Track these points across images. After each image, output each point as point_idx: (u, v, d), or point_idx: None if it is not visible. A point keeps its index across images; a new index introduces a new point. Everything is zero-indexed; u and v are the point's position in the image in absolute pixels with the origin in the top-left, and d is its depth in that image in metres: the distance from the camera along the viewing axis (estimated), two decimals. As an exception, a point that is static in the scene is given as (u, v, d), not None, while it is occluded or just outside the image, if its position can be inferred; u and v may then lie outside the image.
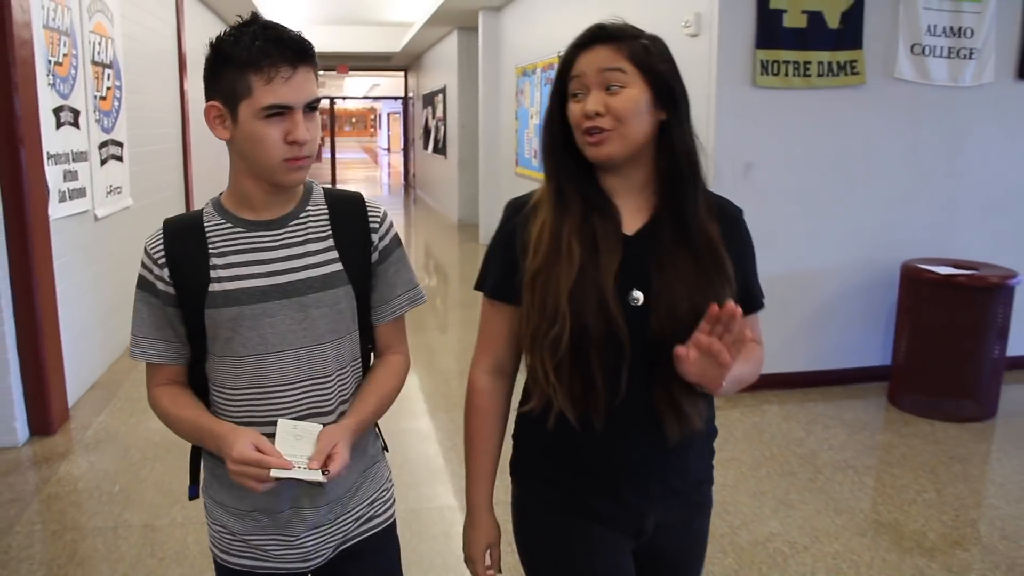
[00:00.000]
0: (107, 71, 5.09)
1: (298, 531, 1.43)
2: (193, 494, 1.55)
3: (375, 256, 1.46)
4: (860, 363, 4.84)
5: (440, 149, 14.52)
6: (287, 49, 1.27)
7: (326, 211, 1.43)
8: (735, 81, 4.40)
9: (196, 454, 1.52)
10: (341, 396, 1.44)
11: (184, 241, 1.37)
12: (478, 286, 1.45)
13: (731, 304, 1.18)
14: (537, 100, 8.35)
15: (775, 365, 4.25)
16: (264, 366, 1.37)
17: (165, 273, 1.36)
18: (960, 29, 4.70)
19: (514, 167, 9.48)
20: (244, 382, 1.38)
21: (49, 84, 4.04)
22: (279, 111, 1.28)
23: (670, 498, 1.44)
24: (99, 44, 4.93)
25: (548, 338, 1.31)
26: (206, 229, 1.38)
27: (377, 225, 1.46)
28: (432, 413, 4.51)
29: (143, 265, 1.38)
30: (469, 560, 1.51)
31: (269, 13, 11.18)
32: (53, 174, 4.07)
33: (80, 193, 4.51)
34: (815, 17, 4.42)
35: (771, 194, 4.50)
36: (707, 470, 1.52)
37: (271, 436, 1.33)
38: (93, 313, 4.73)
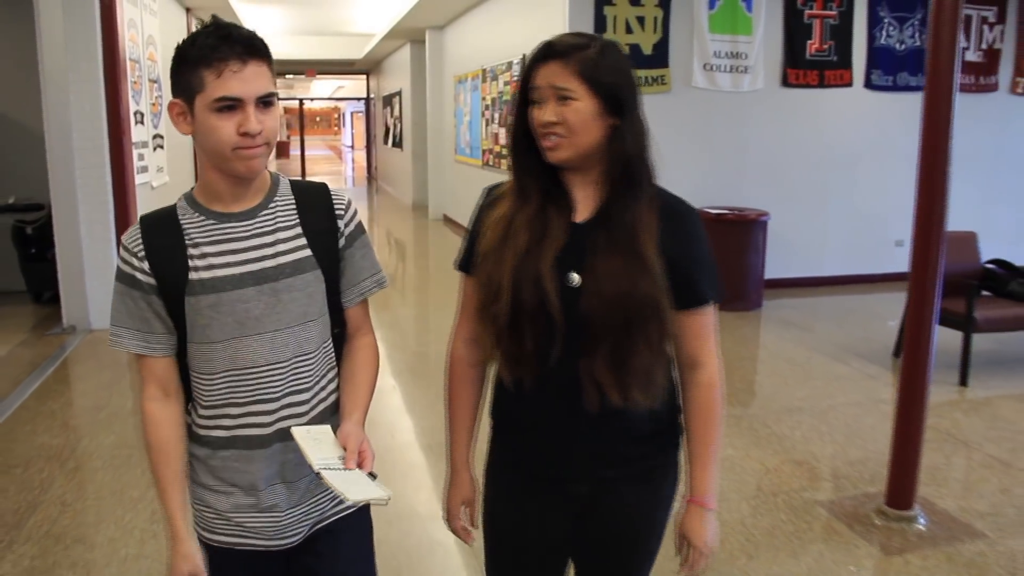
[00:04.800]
0: (155, 85, 7.22)
1: (278, 508, 1.47)
2: None
3: (342, 241, 1.49)
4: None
5: (398, 143, 16.22)
6: (236, 44, 1.28)
7: (293, 201, 1.46)
8: (582, 90, 6.62)
9: None
10: (318, 375, 1.47)
11: (161, 234, 1.39)
12: (456, 265, 1.56)
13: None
14: (469, 102, 10.24)
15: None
16: (240, 350, 1.40)
17: (145, 265, 1.38)
18: (737, 53, 7.01)
19: (453, 156, 11.38)
20: (222, 365, 1.41)
21: (131, 96, 6.18)
22: (230, 104, 1.29)
23: (601, 468, 1.50)
24: (151, 67, 7.07)
25: (491, 311, 1.43)
26: (181, 222, 1.40)
27: (343, 212, 1.49)
28: (396, 375, 5.19)
29: (123, 260, 1.39)
30: (447, 513, 1.62)
31: (249, 24, 13.02)
32: (134, 156, 6.19)
33: (145, 170, 6.64)
34: (634, 47, 6.67)
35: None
36: (645, 449, 1.53)
37: (251, 415, 1.43)
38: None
